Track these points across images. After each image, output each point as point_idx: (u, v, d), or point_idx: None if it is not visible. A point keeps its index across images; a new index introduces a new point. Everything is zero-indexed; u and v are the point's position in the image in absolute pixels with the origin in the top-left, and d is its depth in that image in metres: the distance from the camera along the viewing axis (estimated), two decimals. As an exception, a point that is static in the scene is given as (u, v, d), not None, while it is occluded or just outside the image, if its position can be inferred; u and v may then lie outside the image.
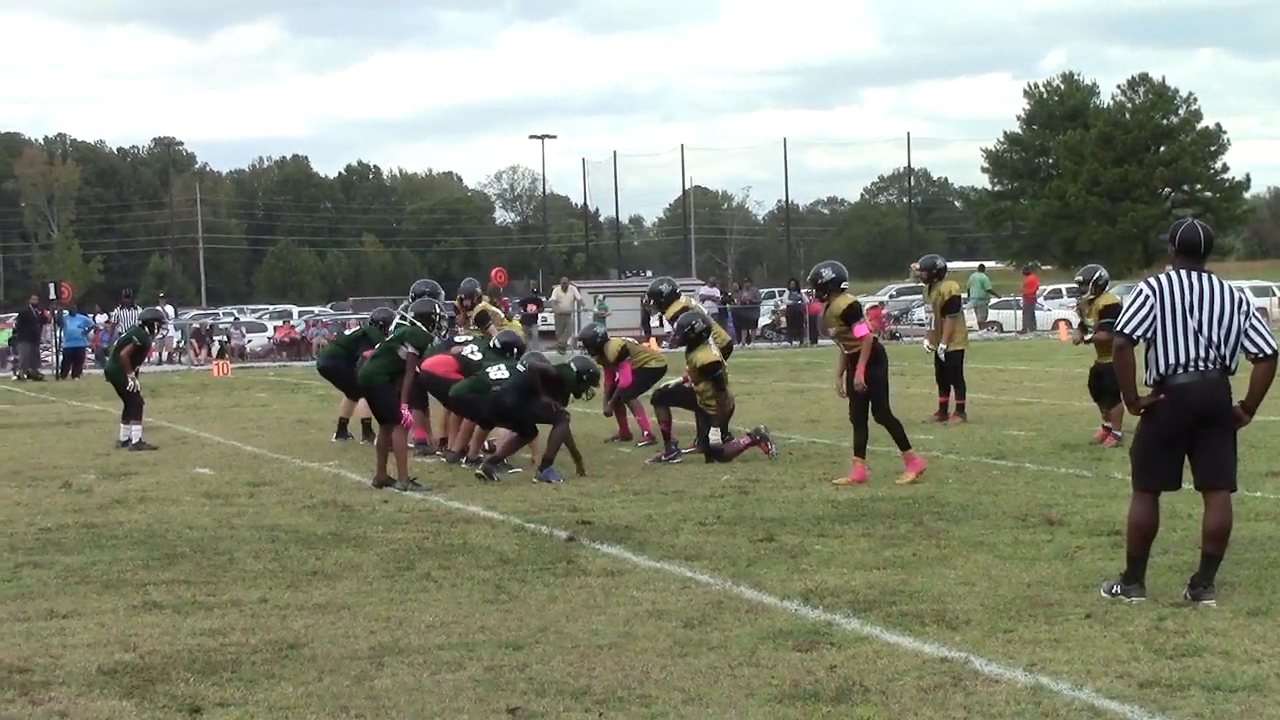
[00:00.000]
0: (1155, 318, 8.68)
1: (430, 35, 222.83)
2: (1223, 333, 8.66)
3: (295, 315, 69.43)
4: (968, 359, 20.90)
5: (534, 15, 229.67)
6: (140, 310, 39.50)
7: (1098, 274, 17.80)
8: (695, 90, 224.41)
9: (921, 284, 21.58)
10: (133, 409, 19.72)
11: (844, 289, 14.48)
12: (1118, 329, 8.80)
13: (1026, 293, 55.11)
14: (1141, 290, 8.77)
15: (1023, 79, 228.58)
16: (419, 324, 15.28)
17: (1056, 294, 62.17)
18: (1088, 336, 17.58)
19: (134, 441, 19.49)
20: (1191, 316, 8.65)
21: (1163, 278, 8.76)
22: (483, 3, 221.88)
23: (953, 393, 20.26)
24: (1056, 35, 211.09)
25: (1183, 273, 8.75)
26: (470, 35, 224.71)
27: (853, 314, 14.34)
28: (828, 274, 14.56)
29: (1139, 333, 8.70)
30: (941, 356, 20.12)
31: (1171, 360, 8.66)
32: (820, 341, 52.52)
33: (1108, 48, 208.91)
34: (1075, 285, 18.78)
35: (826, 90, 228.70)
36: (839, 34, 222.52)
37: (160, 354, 45.97)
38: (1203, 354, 8.64)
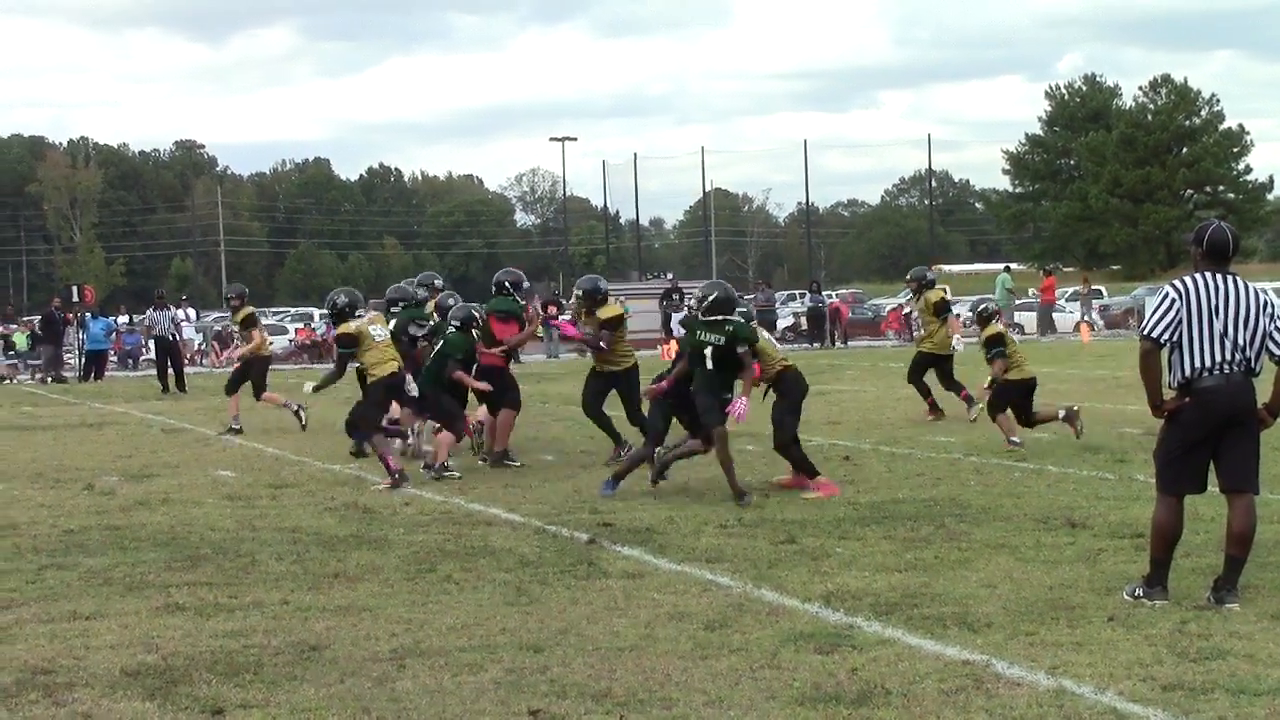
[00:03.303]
0: (1181, 321, 8.63)
1: (444, 39, 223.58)
2: (1248, 335, 8.63)
3: (316, 318, 69.48)
4: (958, 363, 21.51)
5: (548, 19, 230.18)
6: (174, 310, 39.52)
7: (983, 307, 18.46)
8: (710, 93, 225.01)
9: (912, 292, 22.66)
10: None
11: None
12: (1144, 333, 8.75)
13: (1045, 297, 54.67)
14: (1168, 294, 8.71)
15: (1035, 82, 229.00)
16: (463, 331, 16.15)
17: (1077, 295, 61.98)
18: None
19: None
20: (1217, 319, 8.61)
21: (1188, 280, 8.71)
22: (496, 6, 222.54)
23: (929, 391, 21.18)
24: (1068, 38, 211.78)
25: (1208, 275, 8.70)
26: (484, 39, 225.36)
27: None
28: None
29: (1165, 336, 8.66)
30: (960, 348, 21.15)
31: (1197, 364, 8.62)
32: (849, 343, 52.57)
33: (1122, 50, 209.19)
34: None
35: (841, 93, 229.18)
36: (851, 37, 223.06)
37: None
38: (1228, 357, 8.61)
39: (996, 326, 17.73)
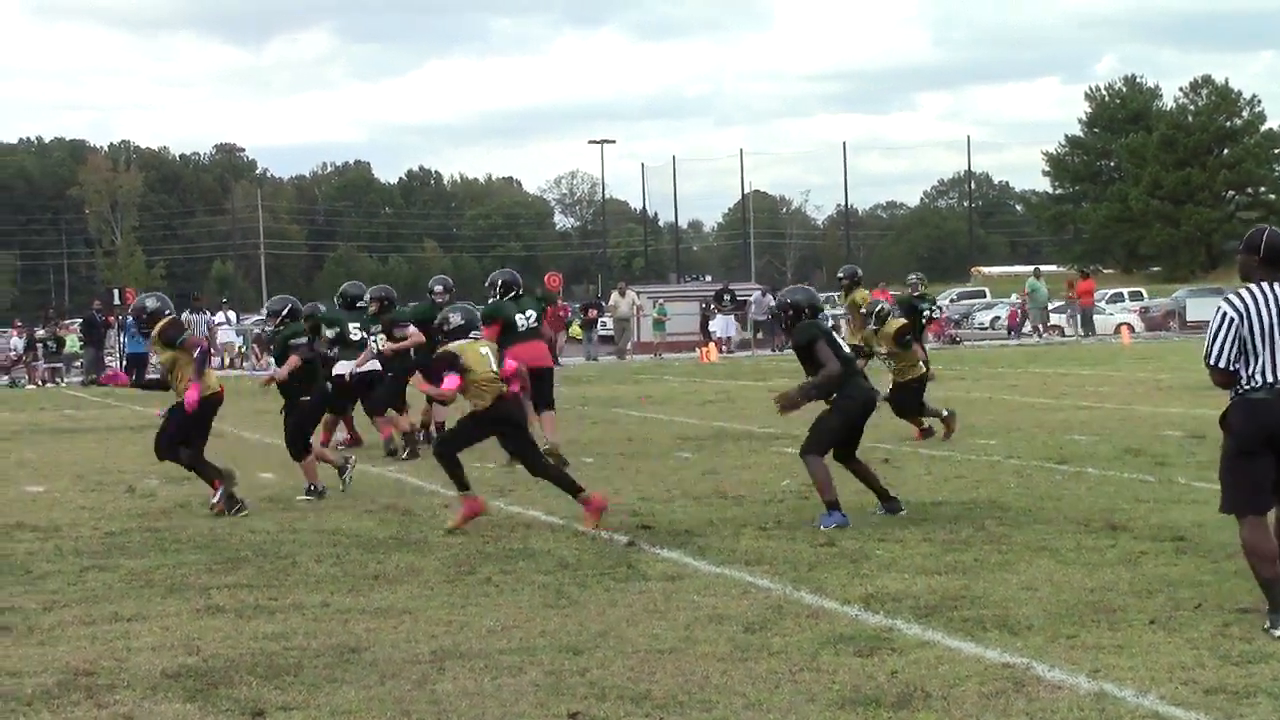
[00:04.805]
0: (1245, 339, 8.24)
1: (482, 42, 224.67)
2: None
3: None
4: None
5: (585, 22, 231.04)
6: (210, 314, 39.75)
7: (879, 307, 18.85)
8: (748, 95, 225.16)
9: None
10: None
11: None
12: (1212, 363, 8.32)
13: (1083, 300, 54.15)
14: (1226, 315, 8.28)
15: (1072, 83, 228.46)
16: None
17: (1118, 297, 61.76)
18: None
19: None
20: (1278, 331, 8.24)
21: (1245, 295, 8.27)
22: (533, 9, 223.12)
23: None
24: (1105, 38, 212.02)
25: (1265, 287, 8.28)
26: (522, 41, 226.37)
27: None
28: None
29: (1228, 363, 8.24)
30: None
31: (1245, 372, 8.29)
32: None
33: (1159, 51, 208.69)
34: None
35: (878, 95, 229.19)
36: (888, 39, 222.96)
37: (222, 359, 46.21)
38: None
39: (899, 320, 18.58)
